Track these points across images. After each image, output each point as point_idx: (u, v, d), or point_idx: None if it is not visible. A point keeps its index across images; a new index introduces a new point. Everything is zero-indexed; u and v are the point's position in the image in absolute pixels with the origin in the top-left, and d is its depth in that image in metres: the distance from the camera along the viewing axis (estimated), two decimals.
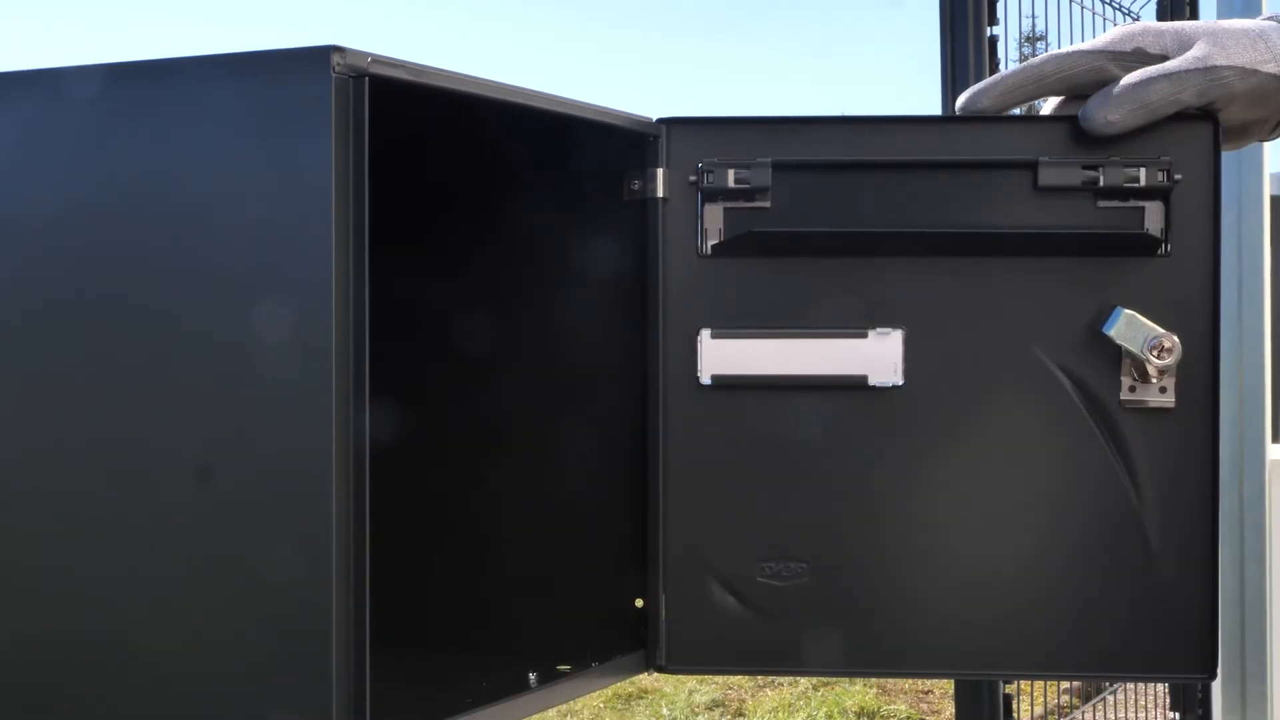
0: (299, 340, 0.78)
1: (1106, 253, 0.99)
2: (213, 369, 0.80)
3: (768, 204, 1.00)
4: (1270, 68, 0.96)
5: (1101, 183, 0.98)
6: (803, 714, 4.20)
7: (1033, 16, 2.84)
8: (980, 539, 1.00)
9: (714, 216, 1.00)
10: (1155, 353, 0.96)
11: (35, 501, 0.83)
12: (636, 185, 1.01)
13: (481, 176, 1.08)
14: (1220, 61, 0.96)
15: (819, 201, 1.00)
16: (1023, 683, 3.11)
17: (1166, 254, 0.99)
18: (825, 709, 4.21)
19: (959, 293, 1.00)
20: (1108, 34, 1.01)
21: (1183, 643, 0.99)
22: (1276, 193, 3.30)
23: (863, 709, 4.25)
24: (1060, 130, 1.00)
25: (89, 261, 0.82)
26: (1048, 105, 1.04)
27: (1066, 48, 1.02)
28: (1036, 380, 0.99)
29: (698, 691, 4.38)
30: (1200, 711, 3.22)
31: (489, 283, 1.09)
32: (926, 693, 4.42)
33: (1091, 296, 0.99)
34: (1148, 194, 0.98)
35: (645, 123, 1.00)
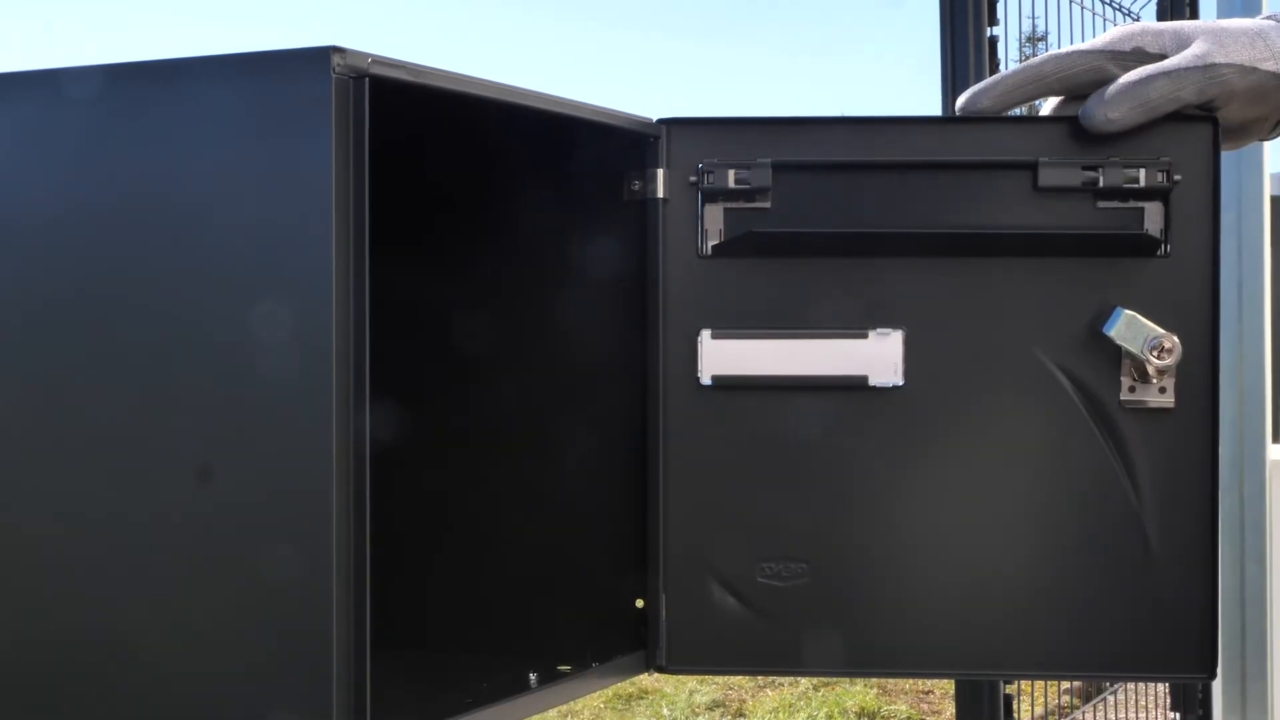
0: (299, 340, 0.78)
1: (1106, 253, 0.99)
2: (213, 369, 0.80)
3: (768, 204, 1.00)
4: (1269, 65, 0.96)
5: (1101, 183, 0.98)
6: (803, 714, 4.20)
7: (1033, 17, 2.84)
8: (980, 539, 1.00)
9: (714, 217, 1.00)
10: (1155, 353, 0.96)
11: (35, 501, 0.83)
12: (636, 185, 1.01)
13: (481, 177, 1.08)
14: (1219, 59, 0.96)
15: (819, 202, 1.00)
16: (1023, 683, 3.11)
17: (1166, 254, 0.99)
18: (825, 709, 4.21)
19: (959, 293, 1.00)
20: (1107, 34, 1.01)
21: (1182, 643, 0.99)
22: (1276, 193, 3.30)
23: (863, 709, 4.25)
24: (1060, 131, 1.00)
25: (89, 261, 0.83)
26: (1047, 105, 1.04)
27: (1066, 48, 1.02)
28: (1036, 381, 0.99)
29: (698, 692, 4.38)
30: (1200, 711, 3.22)
31: (489, 283, 1.09)
32: (927, 693, 4.42)
33: (1091, 297, 0.99)
34: (1147, 194, 0.98)
35: (645, 123, 1.00)
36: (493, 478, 1.08)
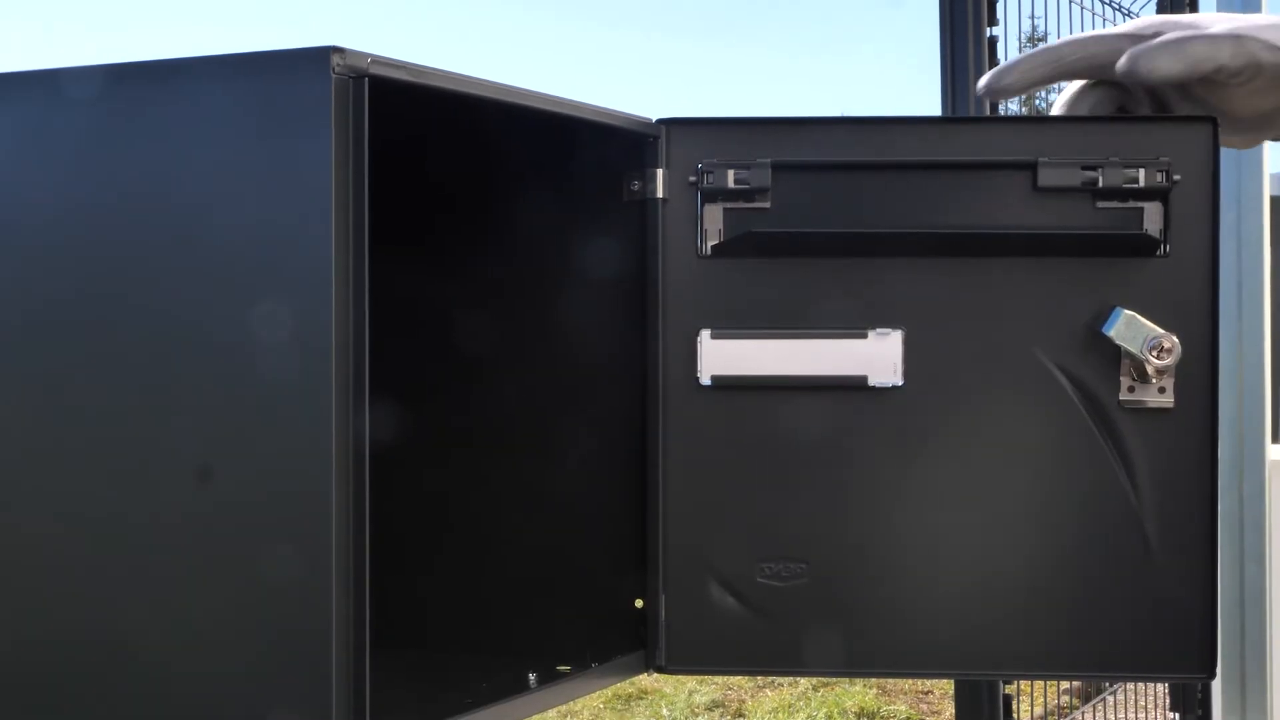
0: (299, 340, 0.78)
1: (1106, 253, 0.99)
2: (213, 369, 0.80)
3: (767, 204, 1.00)
4: None
5: (1101, 183, 0.98)
6: (803, 714, 4.20)
7: (1033, 17, 2.84)
8: (980, 539, 1.01)
9: (714, 217, 1.00)
10: (1155, 353, 0.96)
11: (35, 501, 0.83)
12: (636, 186, 1.01)
13: (482, 177, 1.08)
14: (1248, 34, 0.96)
15: (819, 202, 1.00)
16: (1023, 683, 3.11)
17: (1165, 254, 0.99)
18: (825, 709, 4.21)
19: (959, 293, 1.00)
20: (1130, 23, 1.01)
21: (1182, 642, 0.99)
22: (1276, 193, 3.30)
23: (863, 709, 4.25)
24: (1060, 131, 1.00)
25: (89, 261, 0.83)
26: (1067, 90, 1.04)
27: (1085, 33, 1.02)
28: (1036, 381, 0.99)
29: (698, 692, 4.38)
30: (1200, 711, 3.22)
31: (489, 283, 1.09)
32: (926, 693, 4.42)
33: (1091, 297, 0.99)
34: (1147, 194, 0.98)
35: (645, 123, 1.00)
36: (493, 478, 1.08)
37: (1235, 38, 0.96)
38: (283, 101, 0.79)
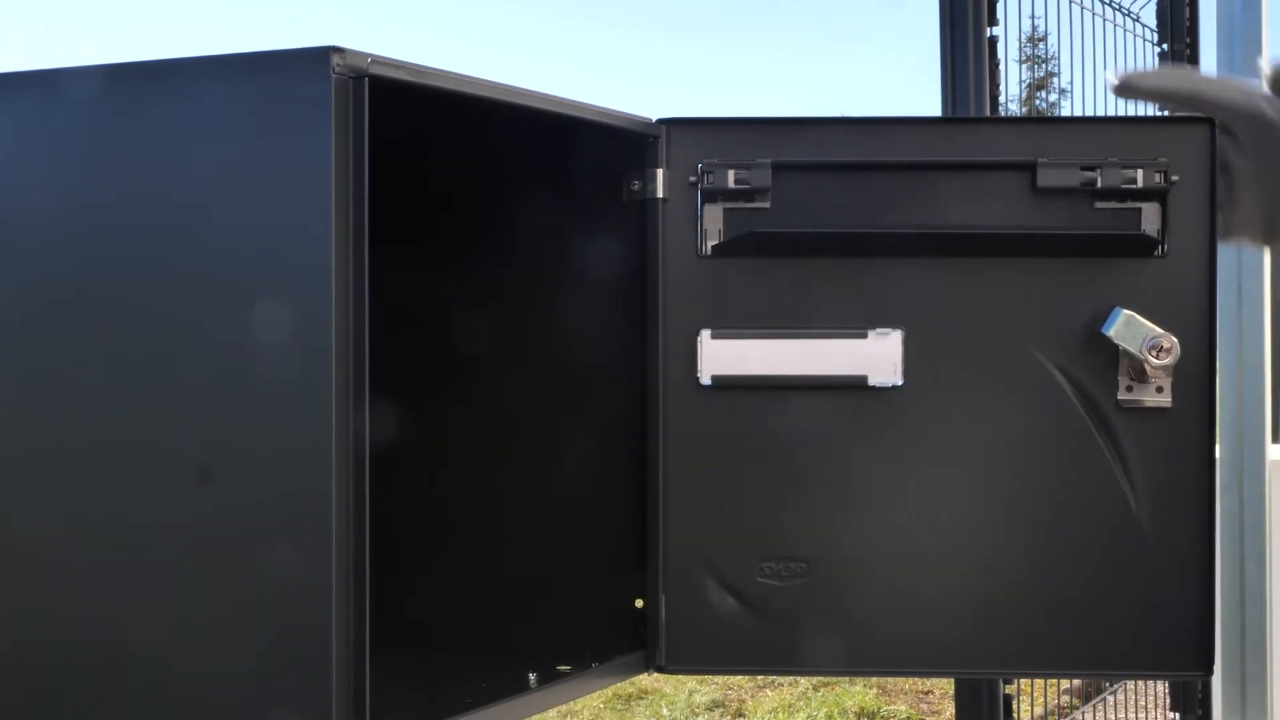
0: (299, 340, 0.78)
1: (1104, 253, 0.99)
2: (213, 369, 0.80)
3: (767, 204, 1.00)
4: None
5: (1099, 184, 0.98)
6: (803, 714, 4.20)
7: (1033, 17, 2.84)
8: (978, 538, 1.01)
9: (714, 217, 1.00)
10: (1154, 353, 0.96)
11: (35, 501, 0.83)
12: (636, 186, 1.01)
13: (481, 177, 1.08)
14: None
15: (818, 202, 1.00)
16: (1023, 683, 3.11)
17: (1163, 255, 0.99)
18: (825, 709, 4.21)
19: (958, 293, 1.00)
20: (1271, 73, 0.99)
21: (1179, 640, 0.99)
22: None
23: (863, 709, 4.25)
24: (1059, 132, 1.00)
25: (89, 261, 0.83)
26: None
27: (1232, 80, 1.01)
28: (1035, 380, 1.00)
29: (698, 692, 4.38)
30: (1200, 711, 3.22)
31: (489, 283, 1.09)
32: (926, 693, 4.42)
33: (1089, 297, 0.99)
34: (1145, 195, 0.99)
35: (645, 123, 1.00)
36: (492, 478, 1.08)
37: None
38: (283, 101, 0.79)
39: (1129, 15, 3.14)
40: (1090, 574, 1.00)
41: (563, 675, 0.98)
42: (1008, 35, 2.55)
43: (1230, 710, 2.85)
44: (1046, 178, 0.99)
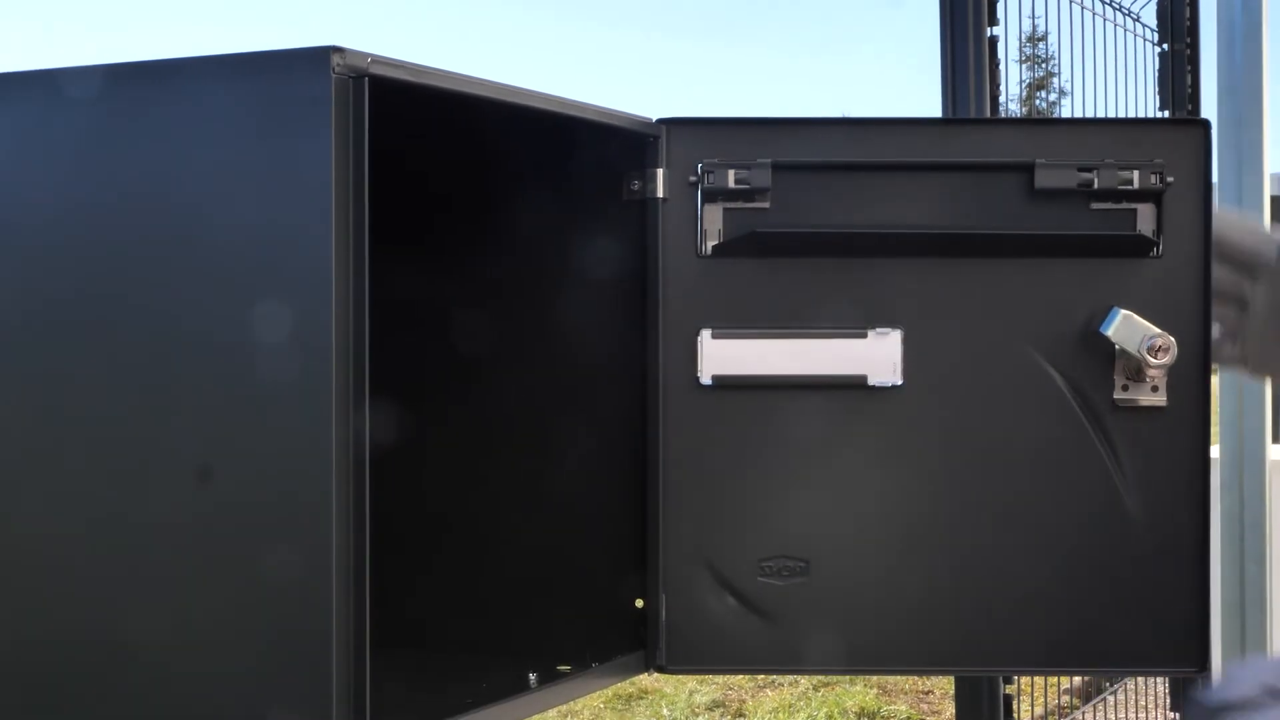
0: (299, 340, 0.78)
1: (1100, 254, 1.00)
2: (213, 369, 0.80)
3: (767, 204, 1.00)
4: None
5: (1096, 185, 0.99)
6: (803, 714, 4.20)
7: (1033, 17, 2.84)
8: (977, 537, 1.01)
9: (713, 217, 1.00)
10: (1152, 353, 0.97)
11: (35, 501, 0.83)
12: (636, 185, 1.01)
13: (481, 177, 1.08)
14: None
15: (818, 202, 1.00)
16: (1023, 683, 3.11)
17: (1158, 255, 0.99)
18: (825, 709, 4.21)
19: (957, 293, 1.00)
20: None
21: (1174, 637, 1.00)
22: (1276, 193, 3.30)
23: (863, 709, 4.25)
24: (1057, 133, 1.00)
25: (89, 261, 0.83)
26: None
27: (1258, 225, 1.03)
28: (1032, 380, 1.00)
29: (698, 692, 4.38)
30: None
31: (489, 283, 1.09)
32: (927, 693, 4.42)
33: (1086, 297, 1.00)
34: (1140, 196, 0.99)
35: (645, 123, 1.00)
36: (493, 478, 1.08)
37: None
38: (283, 101, 0.79)
39: (1129, 15, 3.14)
40: (1087, 571, 1.00)
41: (563, 675, 0.98)
42: (1008, 35, 2.55)
43: None
44: (1044, 178, 0.99)
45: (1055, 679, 3.35)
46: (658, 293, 1.01)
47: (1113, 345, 0.98)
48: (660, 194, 1.00)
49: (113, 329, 0.82)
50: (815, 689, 4.41)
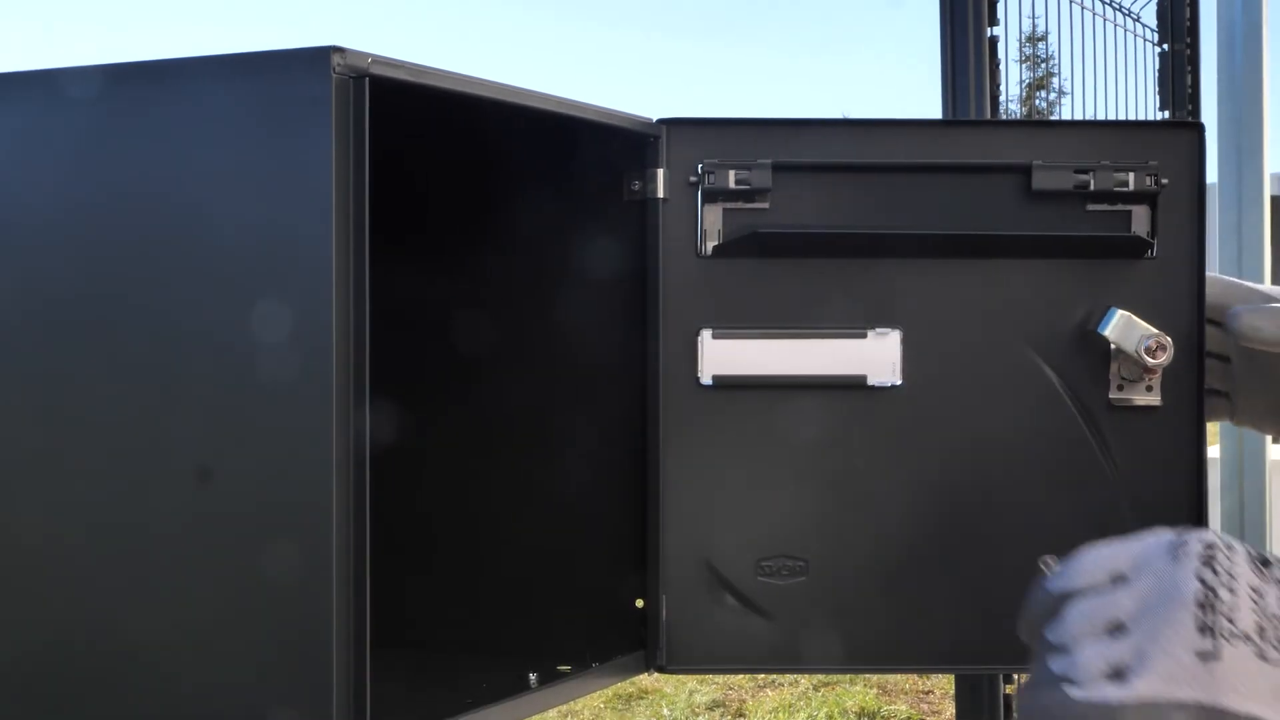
0: (299, 340, 0.78)
1: (1096, 255, 1.00)
2: (213, 369, 0.80)
3: (767, 205, 1.00)
4: None
5: (1092, 187, 0.99)
6: (803, 714, 4.20)
7: (1033, 17, 2.84)
8: (976, 536, 1.01)
9: (714, 217, 1.01)
10: (1150, 353, 0.98)
11: (35, 502, 0.83)
12: (636, 186, 1.01)
13: (482, 177, 1.08)
14: None
15: (818, 203, 1.01)
16: (1023, 682, 3.11)
17: (1153, 256, 1.00)
18: (825, 709, 4.21)
19: (955, 293, 1.01)
20: None
21: None
22: (1276, 193, 3.30)
23: (863, 709, 4.25)
24: (1054, 134, 1.01)
25: (89, 261, 0.83)
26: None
27: (1264, 290, 1.00)
28: (1030, 379, 1.00)
29: (698, 692, 4.38)
30: None
31: (489, 283, 1.09)
32: (927, 693, 4.42)
33: (1082, 297, 1.00)
34: (1136, 198, 1.00)
35: (645, 123, 1.00)
36: (493, 478, 1.08)
37: None
38: (283, 101, 0.79)
39: (1129, 15, 3.15)
40: None
41: (563, 675, 0.98)
42: (1008, 35, 2.55)
43: None
44: (1041, 180, 0.99)
45: None
46: (658, 293, 1.01)
47: (1108, 345, 0.99)
48: (660, 194, 1.01)
49: (113, 329, 0.82)
50: (815, 689, 4.41)
